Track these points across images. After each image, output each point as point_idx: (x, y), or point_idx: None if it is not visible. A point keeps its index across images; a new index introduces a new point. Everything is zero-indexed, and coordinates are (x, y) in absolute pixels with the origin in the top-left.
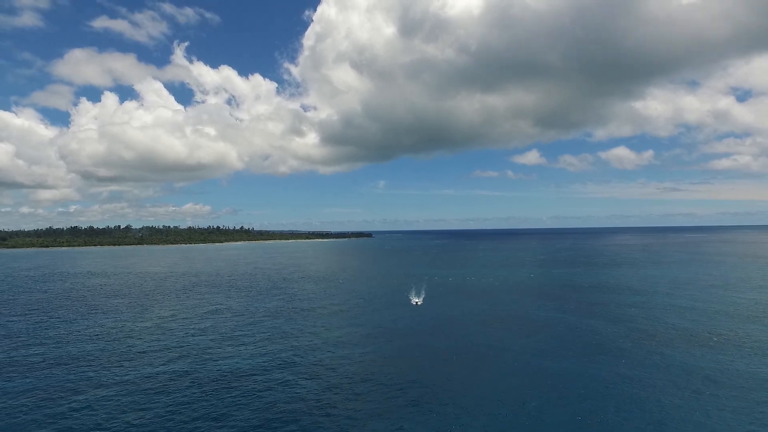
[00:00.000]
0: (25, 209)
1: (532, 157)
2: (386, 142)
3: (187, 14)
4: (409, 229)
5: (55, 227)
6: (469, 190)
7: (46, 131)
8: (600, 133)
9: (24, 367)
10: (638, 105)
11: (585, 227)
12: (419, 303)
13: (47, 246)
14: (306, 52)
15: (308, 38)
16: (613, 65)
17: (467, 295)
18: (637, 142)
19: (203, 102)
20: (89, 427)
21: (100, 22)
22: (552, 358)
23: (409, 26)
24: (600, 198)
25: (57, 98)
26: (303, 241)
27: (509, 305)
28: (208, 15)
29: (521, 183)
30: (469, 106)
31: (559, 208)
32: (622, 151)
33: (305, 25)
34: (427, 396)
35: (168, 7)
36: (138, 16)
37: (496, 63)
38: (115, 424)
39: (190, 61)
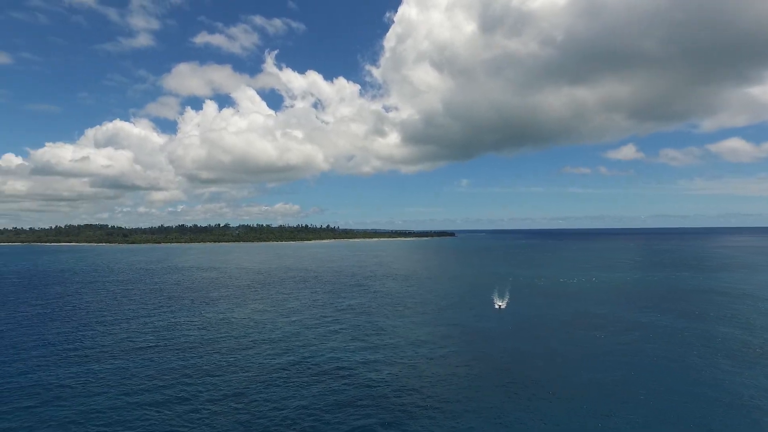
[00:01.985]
0: (141, 209)
1: (628, 152)
2: (468, 141)
3: (276, 25)
4: (492, 228)
5: (165, 225)
6: (559, 188)
7: (158, 138)
8: (708, 124)
9: (142, 350)
10: (755, 91)
11: (693, 227)
12: (502, 307)
13: (159, 242)
14: (387, 54)
15: (389, 40)
16: (722, 48)
17: (555, 298)
18: (755, 132)
19: (292, 106)
20: (199, 408)
21: (201, 38)
22: (651, 366)
23: (490, 22)
24: (711, 195)
25: (166, 109)
26: (386, 239)
27: (602, 308)
28: (294, 24)
29: (616, 179)
30: (556, 100)
31: (661, 206)
32: (736, 143)
33: (386, 27)
34: (510, 400)
35: (258, 20)
36: (233, 30)
37: (584, 54)
38: (220, 407)
39: (280, 69)
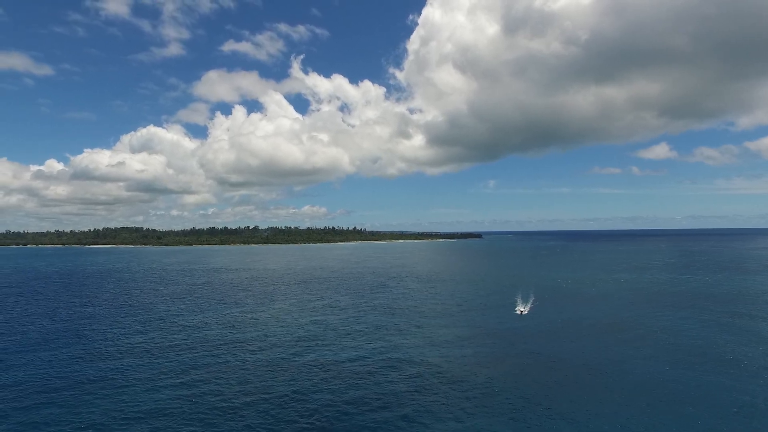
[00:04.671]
0: (174, 212)
1: (661, 151)
2: (493, 142)
3: (300, 31)
4: (520, 229)
5: (197, 228)
6: (588, 188)
7: (189, 143)
8: (745, 121)
9: (175, 347)
10: None
11: (732, 228)
12: (524, 312)
13: (191, 244)
14: (411, 56)
15: (412, 42)
16: (757, 42)
17: (581, 301)
18: None
19: (318, 110)
20: (222, 401)
21: (228, 46)
22: (678, 375)
23: (513, 23)
24: (750, 194)
25: (197, 115)
26: (412, 241)
27: (631, 312)
28: (318, 30)
29: (648, 179)
30: (583, 99)
31: (696, 206)
32: None
33: (409, 30)
34: (527, 403)
35: (283, 27)
36: (259, 38)
37: (610, 52)
38: (246, 400)
39: (306, 73)
